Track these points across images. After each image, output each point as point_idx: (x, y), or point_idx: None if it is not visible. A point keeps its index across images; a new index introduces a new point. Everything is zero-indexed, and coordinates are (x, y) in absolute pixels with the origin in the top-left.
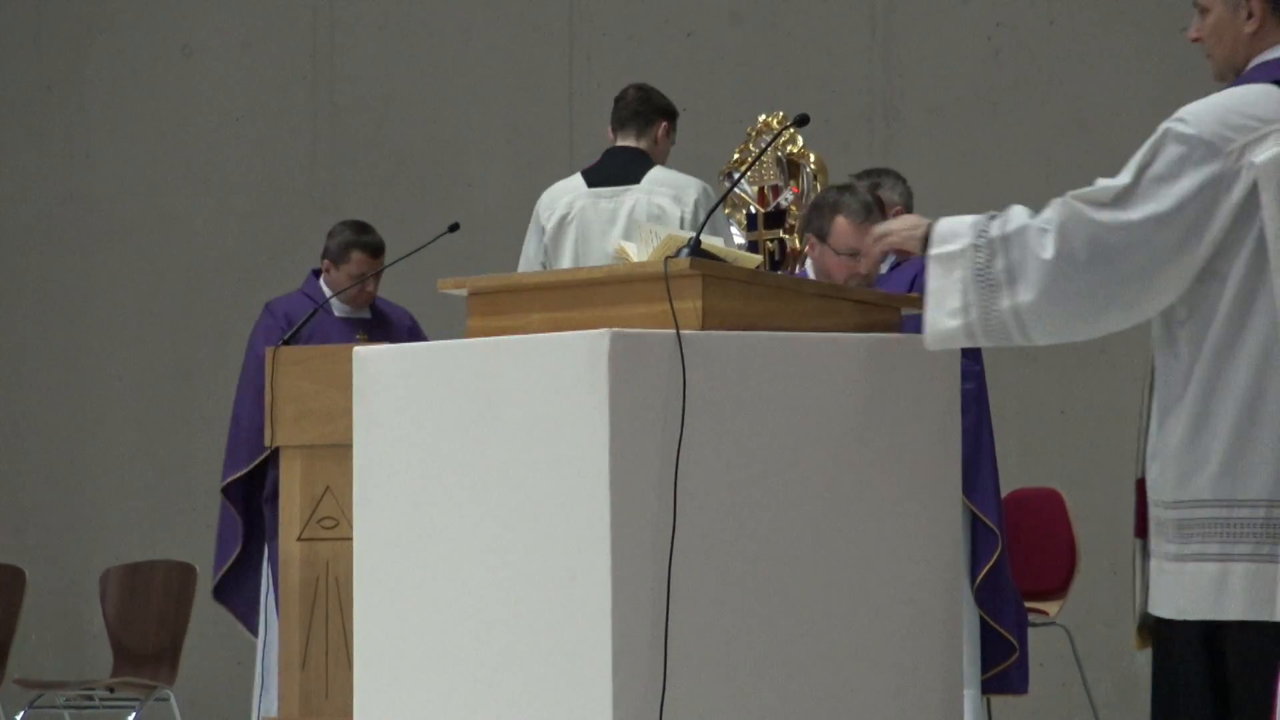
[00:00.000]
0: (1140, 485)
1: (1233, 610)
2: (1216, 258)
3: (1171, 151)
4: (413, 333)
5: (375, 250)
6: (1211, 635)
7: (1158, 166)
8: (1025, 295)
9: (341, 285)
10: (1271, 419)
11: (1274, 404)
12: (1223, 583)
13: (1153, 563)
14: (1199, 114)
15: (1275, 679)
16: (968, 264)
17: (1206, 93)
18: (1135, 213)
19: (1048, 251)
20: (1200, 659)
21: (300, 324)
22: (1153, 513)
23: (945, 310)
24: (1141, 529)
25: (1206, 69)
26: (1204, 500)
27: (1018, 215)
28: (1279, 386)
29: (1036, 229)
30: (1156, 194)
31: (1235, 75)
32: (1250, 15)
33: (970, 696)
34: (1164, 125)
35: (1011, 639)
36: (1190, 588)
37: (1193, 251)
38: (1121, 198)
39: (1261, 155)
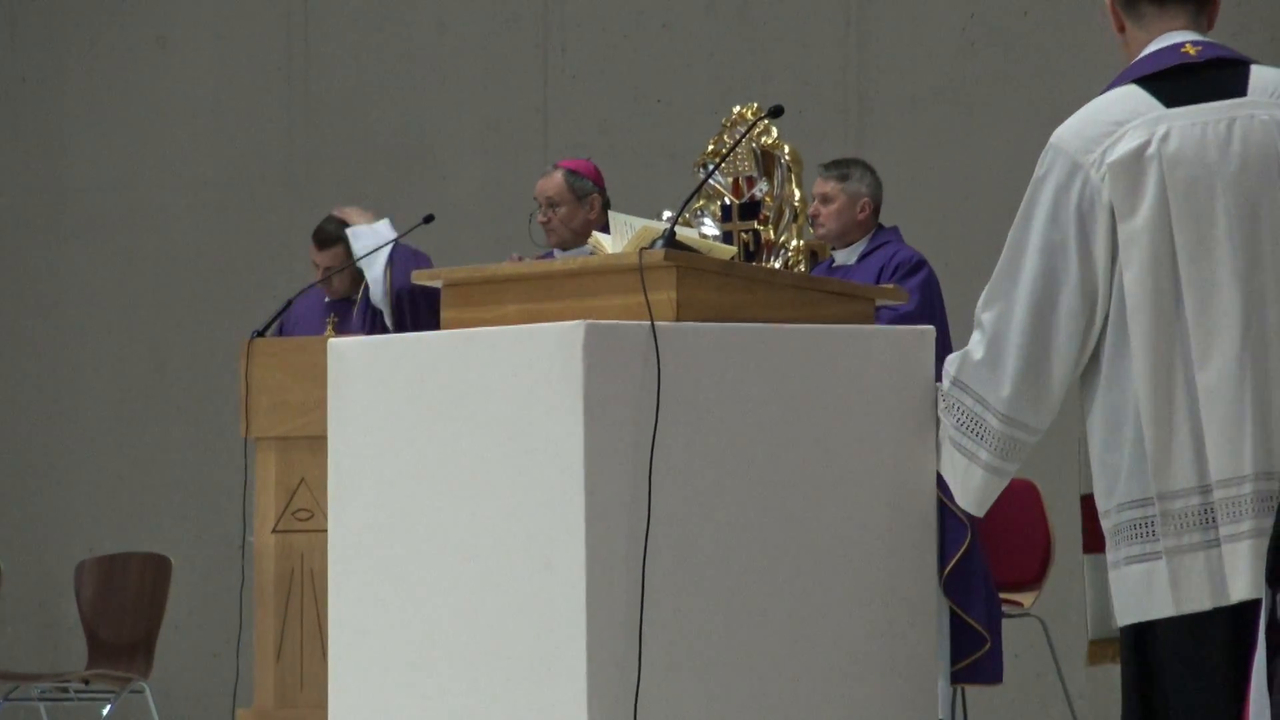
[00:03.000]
0: (1084, 502)
1: (1158, 608)
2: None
3: (1045, 176)
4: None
5: (319, 241)
6: (1140, 639)
7: (1039, 204)
8: (996, 402)
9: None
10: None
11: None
12: (1148, 583)
13: (1133, 569)
14: (1064, 132)
15: (1245, 671)
16: (948, 430)
17: None
18: (1024, 256)
19: (979, 353)
20: (1132, 664)
21: (285, 306)
22: (1102, 525)
23: (959, 475)
24: (1088, 545)
25: None
26: (1124, 504)
27: (949, 360)
28: (1160, 382)
29: (960, 353)
30: (1035, 223)
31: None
32: (1113, 21)
33: (940, 687)
34: (1043, 150)
35: (981, 630)
36: (1127, 592)
37: (1085, 253)
38: (1007, 253)
39: (1114, 154)
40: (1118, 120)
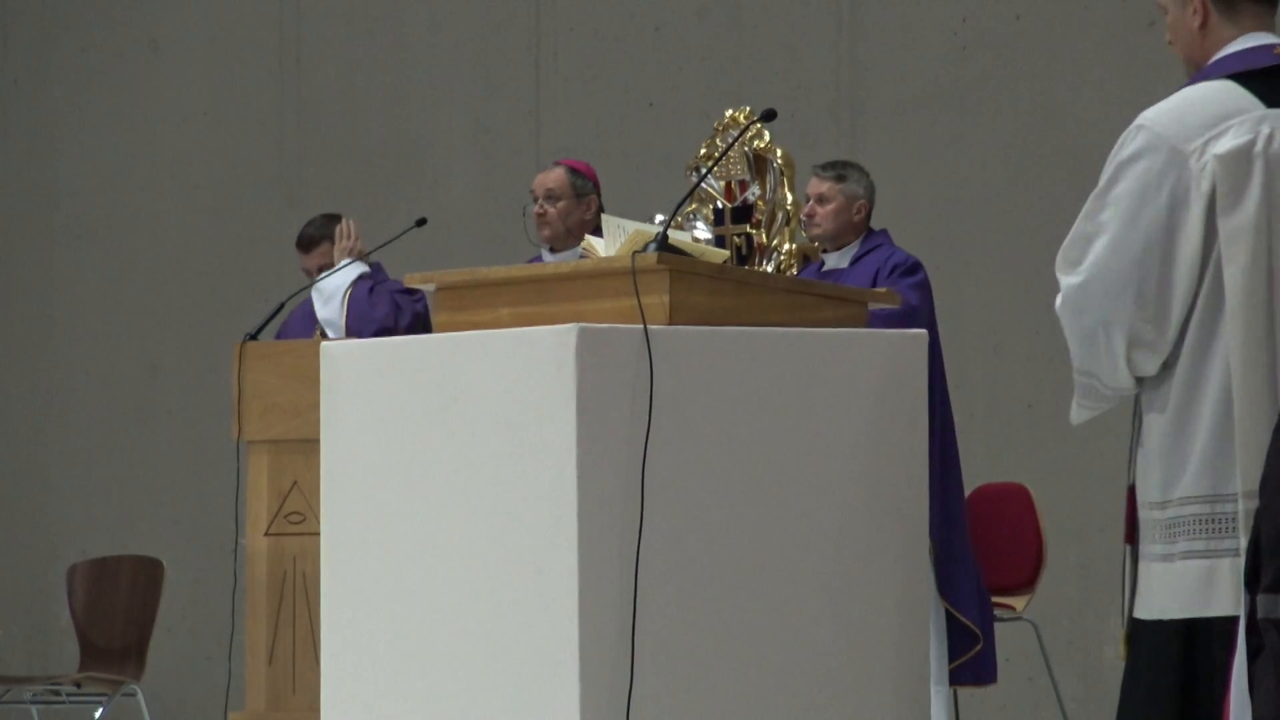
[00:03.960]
0: (1131, 492)
1: (1219, 606)
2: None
3: (1135, 157)
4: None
5: (301, 245)
6: (1190, 634)
7: (1125, 181)
8: (1072, 353)
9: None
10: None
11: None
12: (1210, 579)
13: (1141, 565)
14: (1159, 117)
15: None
16: None
17: (1172, 88)
18: (1100, 231)
19: (1058, 305)
20: (1175, 659)
21: (278, 309)
22: (1141, 515)
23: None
24: (1131, 535)
25: (1172, 65)
26: (1189, 498)
27: None
28: (1254, 380)
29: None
30: (1117, 202)
31: (1199, 72)
32: (1195, 11)
33: (939, 693)
34: (1126, 132)
35: (974, 628)
36: (1178, 586)
37: (1170, 239)
38: (1082, 225)
39: (1221, 148)
40: (1220, 114)
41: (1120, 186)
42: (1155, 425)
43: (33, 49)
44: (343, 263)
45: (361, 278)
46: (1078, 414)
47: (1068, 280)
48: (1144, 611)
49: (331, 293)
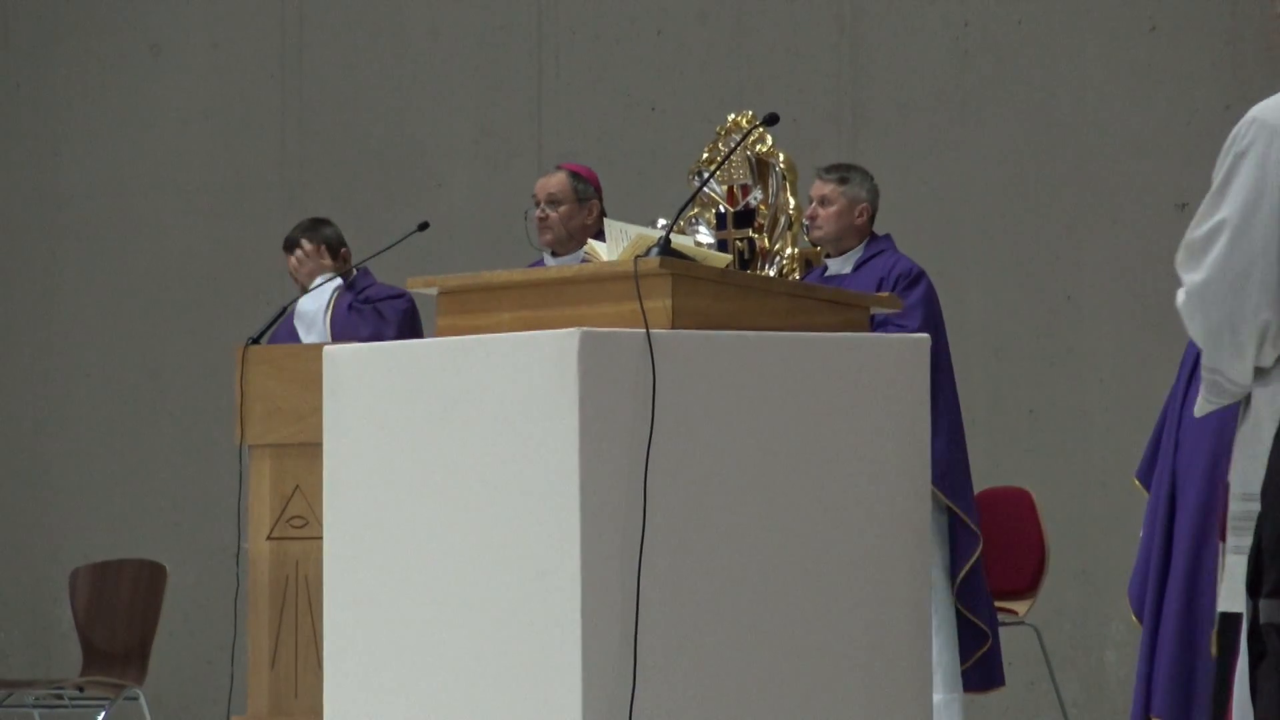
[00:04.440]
0: (1226, 489)
1: None
2: None
3: (1249, 149)
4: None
5: (284, 246)
6: None
7: (1240, 174)
8: (1200, 350)
9: None
10: None
11: None
12: None
13: (1235, 559)
14: (1269, 108)
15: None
16: None
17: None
18: (1220, 240)
19: (1179, 301)
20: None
21: (280, 313)
22: (1244, 508)
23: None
24: (1225, 532)
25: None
26: None
27: None
28: None
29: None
30: (1233, 193)
31: None
32: None
33: (953, 700)
34: (1238, 126)
35: (984, 627)
36: None
37: None
38: (1202, 223)
39: None
40: None
41: (1237, 180)
42: (1269, 416)
43: (34, 53)
44: (314, 284)
45: (338, 292)
46: (1201, 407)
47: (1190, 278)
48: (1237, 604)
49: (312, 317)
